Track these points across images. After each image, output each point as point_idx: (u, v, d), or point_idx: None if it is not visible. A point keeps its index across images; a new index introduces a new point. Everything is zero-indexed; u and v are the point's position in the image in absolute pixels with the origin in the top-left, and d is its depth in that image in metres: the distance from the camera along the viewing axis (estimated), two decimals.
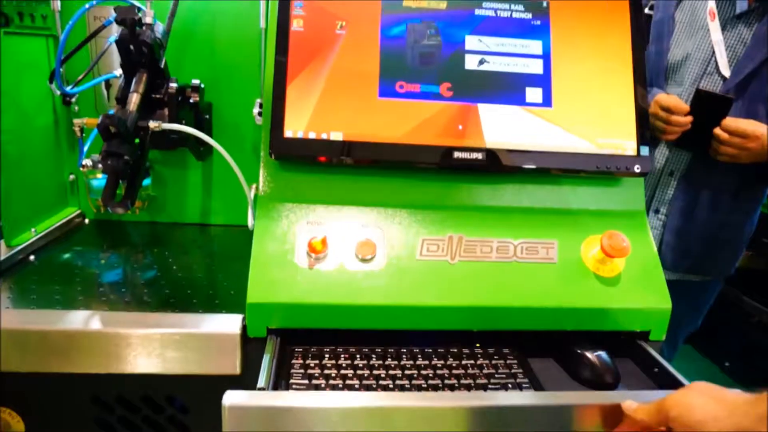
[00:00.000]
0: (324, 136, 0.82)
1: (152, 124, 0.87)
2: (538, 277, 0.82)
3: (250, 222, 1.07)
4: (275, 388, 0.67)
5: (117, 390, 0.77)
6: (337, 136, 0.82)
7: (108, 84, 1.14)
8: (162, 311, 0.81)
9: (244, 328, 0.76)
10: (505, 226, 0.85)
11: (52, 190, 1.14)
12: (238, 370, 0.75)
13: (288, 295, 0.75)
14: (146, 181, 1.17)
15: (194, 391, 0.78)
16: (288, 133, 0.81)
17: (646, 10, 1.35)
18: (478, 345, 0.81)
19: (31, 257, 0.98)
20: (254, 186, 1.09)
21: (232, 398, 0.58)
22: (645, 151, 0.87)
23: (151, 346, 0.74)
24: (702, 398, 0.55)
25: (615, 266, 0.83)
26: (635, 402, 0.62)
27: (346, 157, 0.82)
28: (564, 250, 0.84)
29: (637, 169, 0.87)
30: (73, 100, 1.13)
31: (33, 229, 1.03)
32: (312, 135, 0.82)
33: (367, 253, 0.79)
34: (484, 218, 0.85)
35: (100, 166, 1.08)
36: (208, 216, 1.23)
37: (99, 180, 1.13)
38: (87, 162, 1.06)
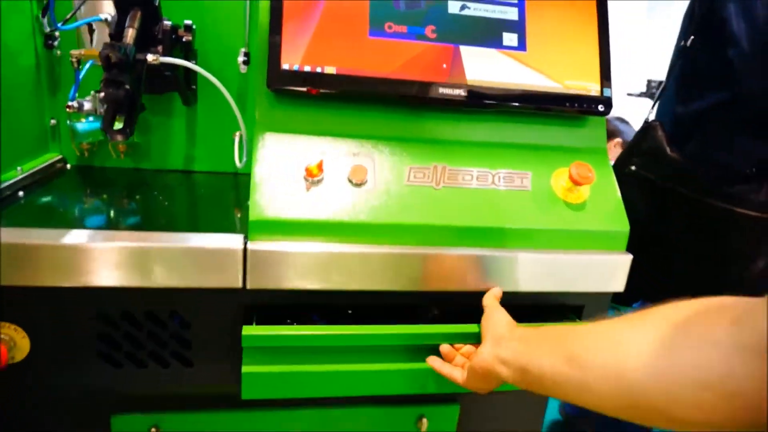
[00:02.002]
0: (319, 70, 0.87)
1: (150, 57, 0.90)
2: (514, 202, 0.90)
3: (237, 162, 1.12)
4: None
5: (122, 306, 0.81)
6: (330, 70, 0.88)
7: (91, 29, 1.14)
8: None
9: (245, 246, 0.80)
10: (484, 158, 0.93)
11: (33, 133, 1.14)
12: (240, 284, 0.80)
13: (288, 212, 0.81)
14: None
15: (196, 306, 0.82)
16: (285, 65, 0.86)
17: None
18: None
19: (20, 193, 0.99)
20: (238, 133, 1.13)
21: None
22: (608, 92, 0.97)
23: (155, 259, 0.77)
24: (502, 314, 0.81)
25: (581, 194, 0.93)
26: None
27: (340, 89, 0.87)
28: (537, 180, 0.93)
29: (600, 108, 0.96)
30: (56, 43, 1.14)
31: (19, 168, 1.04)
32: (307, 68, 0.87)
33: (360, 178, 0.85)
34: (465, 151, 0.93)
35: (86, 108, 1.10)
36: (192, 163, 1.25)
37: (84, 124, 1.14)
38: (74, 104, 1.07)
